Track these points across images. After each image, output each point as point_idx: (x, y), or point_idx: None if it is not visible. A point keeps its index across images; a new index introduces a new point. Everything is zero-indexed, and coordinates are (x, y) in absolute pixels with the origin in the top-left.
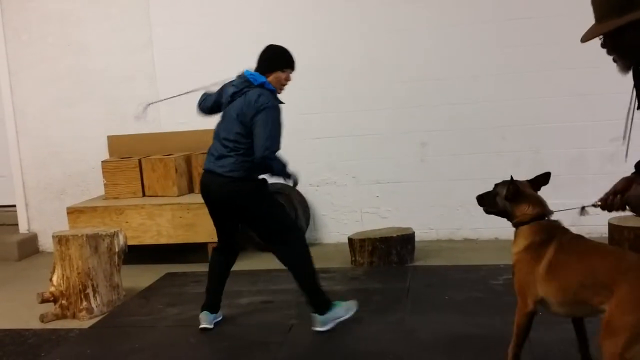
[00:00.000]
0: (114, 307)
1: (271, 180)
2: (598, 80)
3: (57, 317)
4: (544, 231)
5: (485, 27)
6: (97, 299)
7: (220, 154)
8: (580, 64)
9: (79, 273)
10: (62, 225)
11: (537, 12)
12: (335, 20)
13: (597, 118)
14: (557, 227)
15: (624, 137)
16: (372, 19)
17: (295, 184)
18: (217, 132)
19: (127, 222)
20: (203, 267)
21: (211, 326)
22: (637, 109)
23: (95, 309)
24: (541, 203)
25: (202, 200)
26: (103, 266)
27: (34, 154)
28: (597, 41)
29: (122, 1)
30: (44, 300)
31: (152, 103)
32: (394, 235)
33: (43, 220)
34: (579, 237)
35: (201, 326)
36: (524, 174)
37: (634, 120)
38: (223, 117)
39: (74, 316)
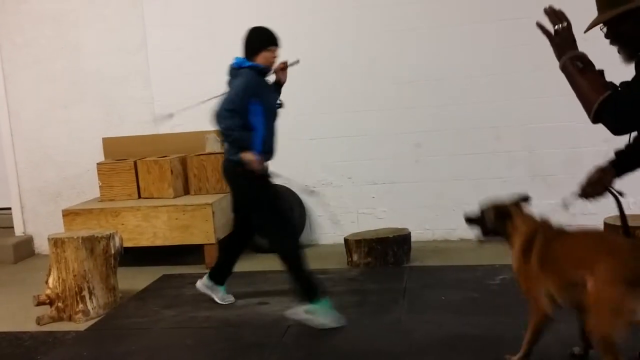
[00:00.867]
0: (110, 309)
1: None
2: None
3: (54, 320)
4: (529, 231)
5: (479, 28)
6: (93, 301)
7: (223, 140)
8: None
9: (74, 275)
10: (58, 227)
11: (530, 12)
12: (329, 22)
13: None
14: (541, 224)
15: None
16: (367, 19)
17: (259, 171)
18: None
19: (122, 224)
20: (199, 269)
21: (220, 302)
22: None
23: (91, 311)
24: (531, 217)
25: (197, 202)
26: (99, 268)
27: (29, 156)
28: (592, 42)
29: (116, 3)
30: (40, 303)
31: (180, 110)
32: (390, 235)
33: (38, 223)
34: (563, 230)
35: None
36: (518, 174)
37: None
38: None
39: (70, 318)
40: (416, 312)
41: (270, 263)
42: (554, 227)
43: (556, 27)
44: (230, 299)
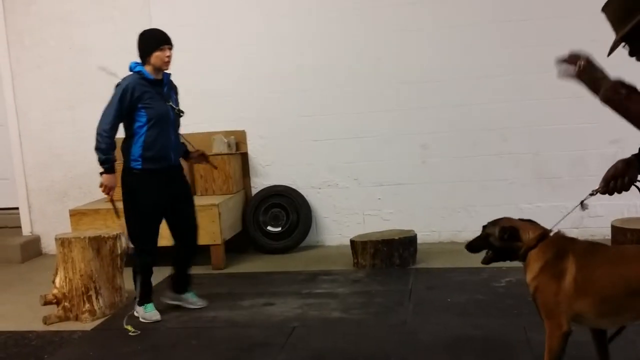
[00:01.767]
0: (117, 309)
1: (269, 182)
2: None
3: (60, 319)
4: (554, 246)
5: (486, 29)
6: (100, 301)
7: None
8: None
9: (81, 275)
10: (65, 227)
11: (537, 13)
12: (335, 22)
13: (597, 120)
14: (564, 238)
15: None
16: (373, 20)
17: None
18: None
19: None
20: (205, 270)
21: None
22: None
23: (97, 311)
24: (537, 224)
25: (203, 203)
26: (105, 268)
27: (36, 156)
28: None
29: (123, 3)
30: (46, 303)
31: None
32: (396, 237)
33: (46, 223)
34: (593, 245)
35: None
36: (524, 176)
37: None
38: None
39: (76, 318)
40: (422, 313)
41: (276, 264)
42: (578, 242)
43: (578, 67)
44: (202, 302)
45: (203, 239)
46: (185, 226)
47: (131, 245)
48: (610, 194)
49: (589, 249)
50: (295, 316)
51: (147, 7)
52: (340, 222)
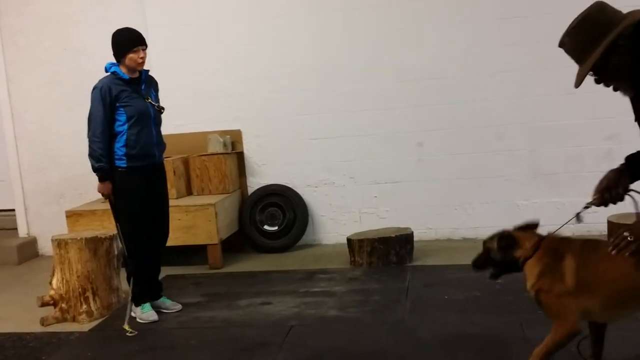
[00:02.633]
0: (114, 310)
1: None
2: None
3: (57, 321)
4: (549, 250)
5: (481, 27)
6: (97, 302)
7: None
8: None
9: (78, 276)
10: (61, 228)
11: (532, 10)
12: (332, 21)
13: (593, 116)
14: (559, 239)
15: None
16: (370, 19)
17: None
18: None
19: None
20: (202, 270)
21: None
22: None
23: (94, 311)
24: (534, 233)
25: (200, 202)
26: (102, 269)
27: (32, 158)
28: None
29: (118, 4)
30: (44, 304)
31: None
32: (393, 235)
33: (42, 224)
34: (589, 241)
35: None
36: (520, 173)
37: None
38: None
39: (74, 319)
40: (419, 311)
41: (273, 263)
42: (573, 240)
43: (630, 239)
44: (177, 306)
45: (200, 238)
46: (159, 232)
47: (120, 245)
48: (606, 205)
49: (586, 246)
50: (293, 315)
51: (142, 7)
52: (336, 221)
